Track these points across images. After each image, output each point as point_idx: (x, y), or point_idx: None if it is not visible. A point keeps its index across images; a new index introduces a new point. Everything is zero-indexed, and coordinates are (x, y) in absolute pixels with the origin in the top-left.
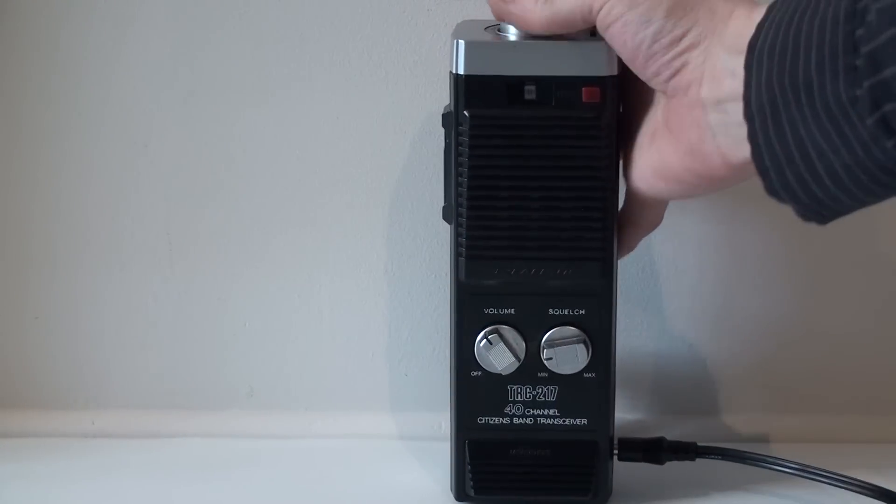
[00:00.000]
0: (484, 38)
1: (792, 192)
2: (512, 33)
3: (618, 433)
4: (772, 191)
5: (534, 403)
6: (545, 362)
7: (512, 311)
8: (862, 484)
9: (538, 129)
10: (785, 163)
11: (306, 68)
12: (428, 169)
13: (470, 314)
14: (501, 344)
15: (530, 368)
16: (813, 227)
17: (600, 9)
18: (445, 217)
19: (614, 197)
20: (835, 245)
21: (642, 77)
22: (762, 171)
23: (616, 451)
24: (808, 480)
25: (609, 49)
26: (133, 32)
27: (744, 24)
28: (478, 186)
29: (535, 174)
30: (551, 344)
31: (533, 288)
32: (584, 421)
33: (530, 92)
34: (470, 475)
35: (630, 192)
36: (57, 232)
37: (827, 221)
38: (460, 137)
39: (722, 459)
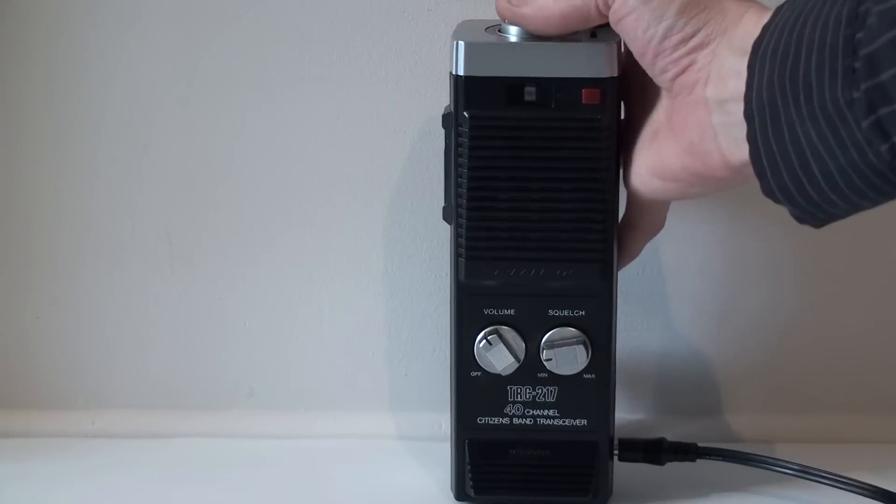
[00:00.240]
0: (484, 38)
1: (787, 194)
2: (512, 34)
3: (618, 433)
4: (768, 192)
5: (533, 404)
6: (545, 363)
7: (512, 311)
8: (862, 484)
9: (538, 130)
10: (781, 164)
11: (306, 68)
12: (428, 169)
13: (470, 315)
14: (501, 344)
15: (530, 369)
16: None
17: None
18: (445, 217)
19: (614, 198)
20: (836, 245)
21: (649, 72)
22: (759, 172)
23: (616, 452)
24: (808, 481)
25: (609, 51)
26: (133, 33)
27: (752, 26)
28: (478, 187)
29: (535, 175)
30: (551, 345)
31: (533, 289)
32: (584, 421)
33: (530, 93)
34: (470, 475)
35: (630, 196)
36: (57, 232)
37: (822, 225)
38: (460, 138)
39: (722, 460)
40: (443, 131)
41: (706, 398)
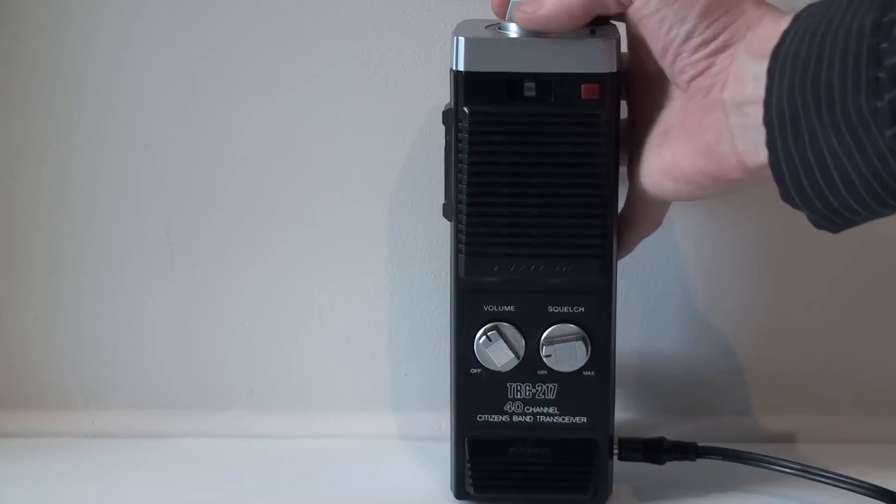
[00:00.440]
0: (484, 35)
1: (807, 200)
2: (512, 31)
3: (618, 433)
4: (787, 197)
5: (533, 401)
6: (544, 360)
7: (511, 308)
8: (862, 484)
9: (537, 125)
10: (801, 170)
11: (306, 68)
12: (428, 168)
13: (469, 311)
14: (501, 341)
15: (530, 366)
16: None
17: None
18: (445, 214)
19: (614, 194)
20: (836, 245)
21: (667, 72)
22: (778, 177)
23: (616, 451)
24: (808, 480)
25: (608, 46)
26: (133, 32)
27: (771, 31)
28: (477, 183)
29: (534, 171)
30: (551, 341)
31: (532, 285)
32: (584, 419)
33: (530, 89)
34: (469, 473)
35: (632, 193)
36: (57, 232)
37: (839, 230)
38: (460, 134)
39: (722, 459)
40: (443, 130)
41: (705, 397)
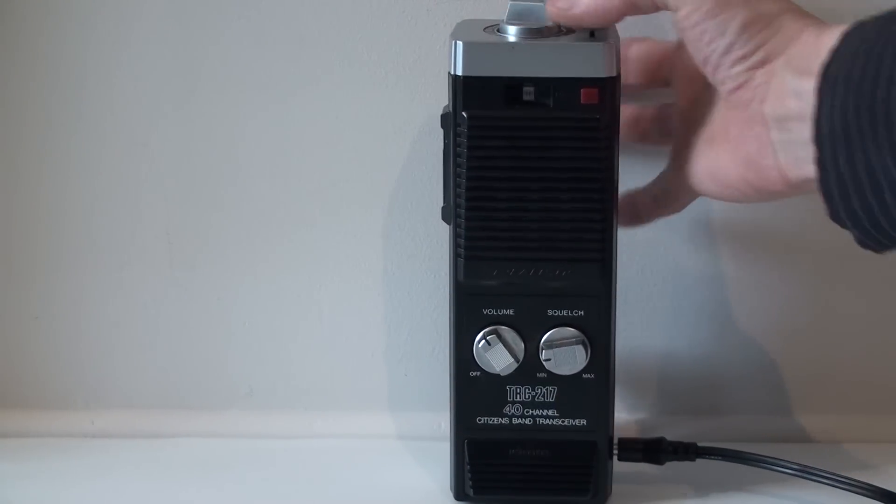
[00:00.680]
0: (483, 38)
1: (856, 220)
2: (511, 34)
3: (618, 433)
4: (835, 216)
5: (533, 404)
6: (544, 363)
7: (511, 311)
8: (862, 484)
9: (536, 130)
10: (853, 190)
11: (306, 68)
12: (427, 169)
13: (469, 315)
14: (500, 345)
15: (529, 369)
16: (812, 227)
17: (678, 9)
18: (444, 218)
19: (613, 198)
20: (836, 245)
21: (710, 79)
22: (827, 197)
23: (616, 452)
24: (808, 481)
25: (607, 51)
26: (133, 32)
27: (812, 47)
28: (476, 187)
29: (533, 175)
30: (550, 345)
31: (532, 288)
32: (584, 421)
33: (529, 93)
34: (469, 475)
35: (672, 179)
36: (57, 232)
37: (885, 251)
38: (459, 138)
39: (722, 460)
40: (442, 131)
41: (705, 397)
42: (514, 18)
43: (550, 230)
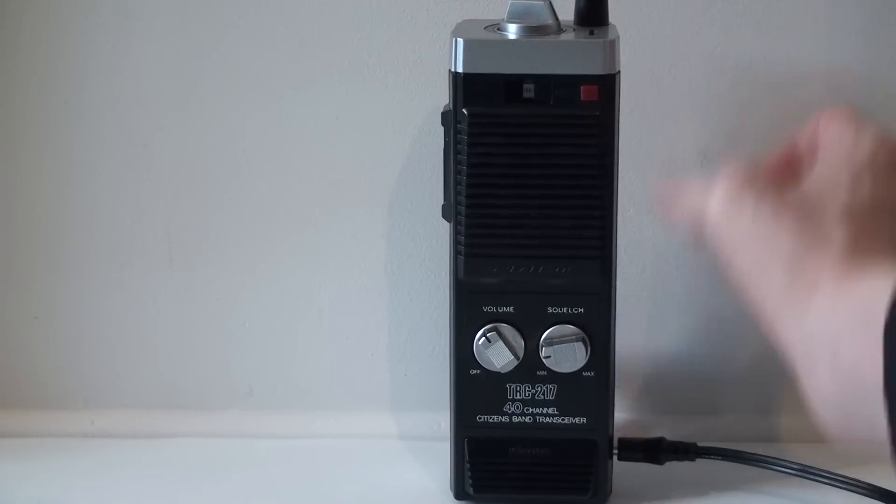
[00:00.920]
0: (483, 36)
1: None
2: (511, 32)
3: (618, 433)
4: None
5: (533, 402)
6: (544, 360)
7: (511, 309)
8: (862, 484)
9: (537, 127)
10: None
11: (306, 68)
12: (428, 169)
13: (469, 312)
14: (500, 342)
15: (529, 367)
16: None
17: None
18: (445, 215)
19: (612, 195)
20: None
21: None
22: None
23: (616, 451)
24: (808, 481)
25: (607, 48)
26: (133, 32)
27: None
28: (476, 185)
29: (533, 172)
30: (550, 342)
31: (532, 286)
32: (583, 420)
33: (529, 90)
34: (469, 473)
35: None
36: (57, 232)
37: None
38: (459, 136)
39: (722, 459)
40: (442, 130)
41: (705, 397)
42: (515, 17)
43: (550, 227)
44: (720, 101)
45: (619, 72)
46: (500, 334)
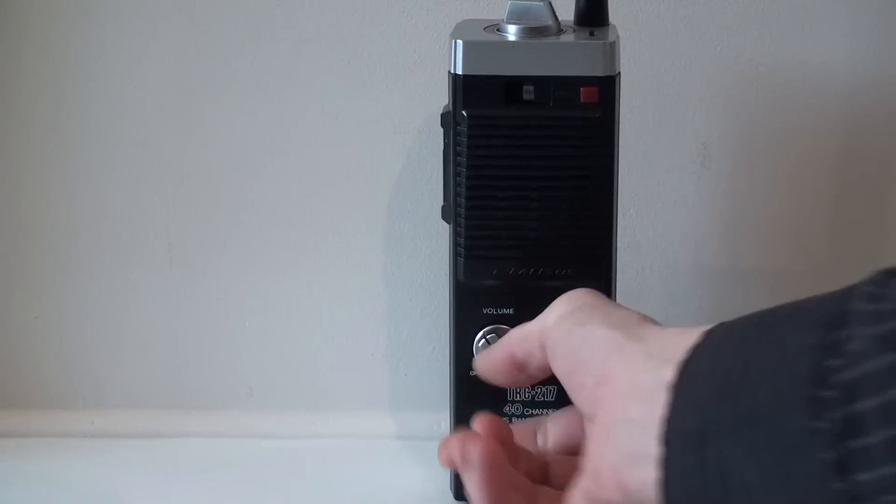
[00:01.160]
0: (483, 37)
1: None
2: (511, 34)
3: None
4: None
5: (532, 403)
6: None
7: (511, 310)
8: None
9: (536, 129)
10: (699, 495)
11: (306, 68)
12: (427, 169)
13: (468, 314)
14: None
15: None
16: (812, 229)
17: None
18: (444, 217)
19: (613, 197)
20: (835, 244)
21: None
22: (670, 500)
23: None
24: None
25: (607, 49)
26: (133, 32)
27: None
28: (476, 186)
29: (533, 174)
30: None
31: (532, 287)
32: None
33: (528, 92)
34: None
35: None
36: (57, 232)
37: None
38: (459, 137)
39: None
40: (441, 131)
41: None
42: (514, 17)
43: (550, 229)
44: (720, 101)
45: (619, 73)
46: (499, 336)
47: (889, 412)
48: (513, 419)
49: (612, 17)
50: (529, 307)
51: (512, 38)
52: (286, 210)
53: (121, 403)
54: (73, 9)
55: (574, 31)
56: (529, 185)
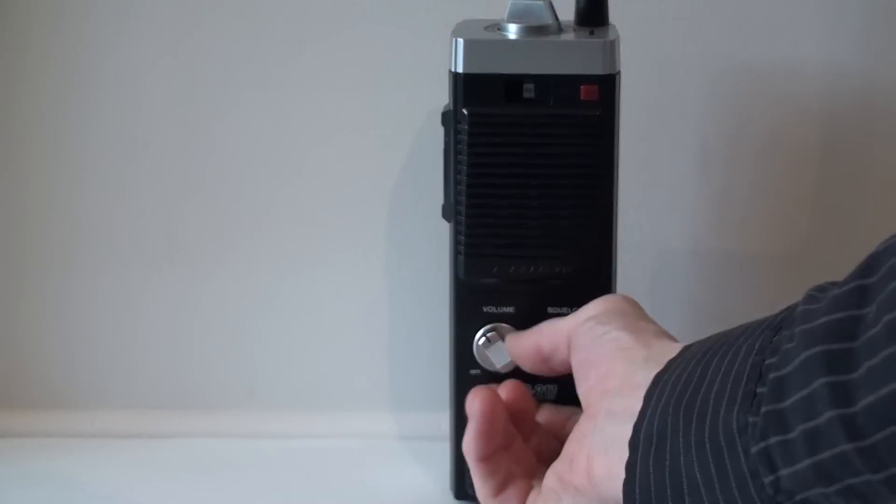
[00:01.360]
0: (483, 36)
1: None
2: (512, 32)
3: None
4: None
5: None
6: None
7: (511, 309)
8: None
9: (537, 127)
10: (654, 497)
11: (306, 68)
12: (427, 168)
13: (469, 312)
14: (500, 342)
15: None
16: (813, 230)
17: None
18: (445, 215)
19: (613, 195)
20: (835, 244)
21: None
22: (631, 499)
23: None
24: None
25: (607, 48)
26: (132, 32)
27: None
28: (476, 184)
29: (533, 172)
30: None
31: (532, 286)
32: None
33: (529, 90)
34: (469, 474)
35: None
36: (56, 232)
37: None
38: (459, 136)
39: None
40: (442, 130)
41: None
42: (515, 17)
43: (550, 227)
44: (720, 101)
45: (619, 72)
46: (500, 334)
47: (808, 406)
48: None
49: (612, 17)
50: (530, 305)
51: (512, 36)
52: (286, 210)
53: (122, 403)
54: (74, 9)
55: (574, 30)
56: (530, 184)
